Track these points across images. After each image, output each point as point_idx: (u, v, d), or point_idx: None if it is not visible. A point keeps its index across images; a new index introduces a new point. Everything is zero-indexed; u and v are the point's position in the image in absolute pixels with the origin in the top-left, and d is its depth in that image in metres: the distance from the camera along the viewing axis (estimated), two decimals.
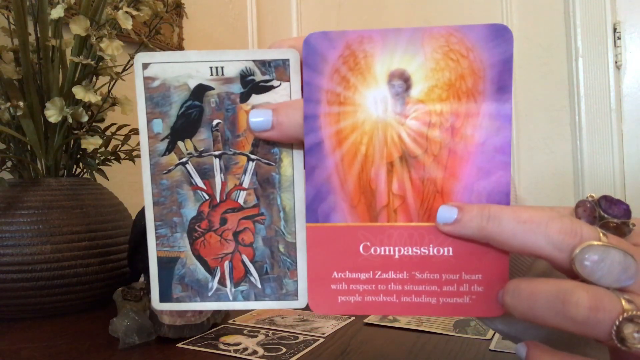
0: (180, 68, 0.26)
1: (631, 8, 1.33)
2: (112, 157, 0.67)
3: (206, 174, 0.27)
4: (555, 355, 0.21)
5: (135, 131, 0.68)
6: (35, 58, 0.61)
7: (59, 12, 0.58)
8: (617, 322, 0.19)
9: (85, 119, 0.61)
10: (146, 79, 0.26)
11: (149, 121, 0.26)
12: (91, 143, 0.62)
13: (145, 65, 0.26)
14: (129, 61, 0.67)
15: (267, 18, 1.48)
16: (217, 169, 0.26)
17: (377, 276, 0.25)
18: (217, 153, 0.26)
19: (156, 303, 0.27)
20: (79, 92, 0.58)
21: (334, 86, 0.25)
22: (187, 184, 0.27)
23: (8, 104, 0.57)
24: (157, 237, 0.27)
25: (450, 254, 0.24)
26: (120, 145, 0.67)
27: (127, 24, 0.60)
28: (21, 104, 0.57)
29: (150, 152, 0.26)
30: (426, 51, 0.24)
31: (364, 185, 0.25)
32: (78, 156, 0.66)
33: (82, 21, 0.58)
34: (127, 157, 0.67)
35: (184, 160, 0.26)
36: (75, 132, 0.63)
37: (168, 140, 0.26)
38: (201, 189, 0.27)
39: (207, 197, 0.27)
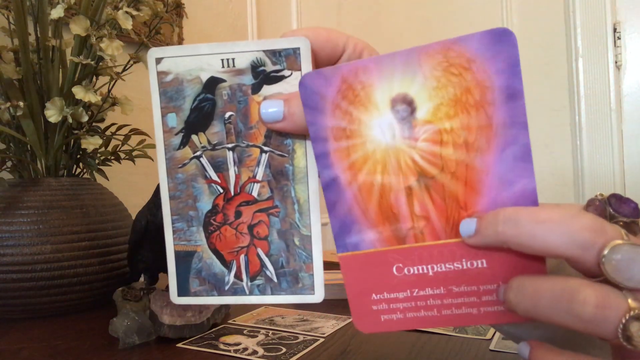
0: (192, 61, 0.26)
1: (631, 8, 1.33)
2: (112, 157, 0.67)
3: (220, 167, 0.26)
4: (559, 354, 0.21)
5: (136, 131, 0.68)
6: (35, 58, 0.61)
7: (59, 12, 0.58)
8: (623, 320, 0.19)
9: (85, 119, 0.61)
10: (160, 74, 0.26)
11: (163, 115, 0.26)
12: (91, 143, 0.62)
13: (158, 60, 0.26)
14: (129, 61, 0.67)
15: (267, 18, 1.48)
16: (231, 161, 0.26)
17: (414, 293, 0.25)
18: (230, 146, 0.26)
19: (174, 297, 0.27)
20: (79, 92, 0.58)
21: (338, 122, 0.24)
22: (201, 177, 0.27)
23: (8, 104, 0.57)
24: (174, 232, 0.27)
25: (484, 265, 0.24)
26: (120, 145, 0.67)
27: (127, 24, 0.60)
28: (21, 104, 0.57)
29: (165, 146, 0.27)
30: (425, 71, 0.23)
31: (386, 211, 0.24)
32: (78, 156, 0.66)
33: (82, 21, 0.58)
34: (127, 157, 0.67)
35: (198, 153, 0.26)
36: (75, 132, 0.63)
37: (182, 134, 0.26)
38: (215, 182, 0.27)
39: (221, 191, 0.27)
